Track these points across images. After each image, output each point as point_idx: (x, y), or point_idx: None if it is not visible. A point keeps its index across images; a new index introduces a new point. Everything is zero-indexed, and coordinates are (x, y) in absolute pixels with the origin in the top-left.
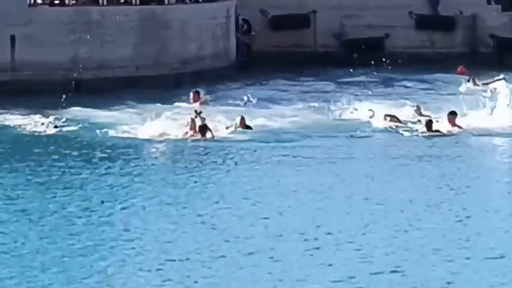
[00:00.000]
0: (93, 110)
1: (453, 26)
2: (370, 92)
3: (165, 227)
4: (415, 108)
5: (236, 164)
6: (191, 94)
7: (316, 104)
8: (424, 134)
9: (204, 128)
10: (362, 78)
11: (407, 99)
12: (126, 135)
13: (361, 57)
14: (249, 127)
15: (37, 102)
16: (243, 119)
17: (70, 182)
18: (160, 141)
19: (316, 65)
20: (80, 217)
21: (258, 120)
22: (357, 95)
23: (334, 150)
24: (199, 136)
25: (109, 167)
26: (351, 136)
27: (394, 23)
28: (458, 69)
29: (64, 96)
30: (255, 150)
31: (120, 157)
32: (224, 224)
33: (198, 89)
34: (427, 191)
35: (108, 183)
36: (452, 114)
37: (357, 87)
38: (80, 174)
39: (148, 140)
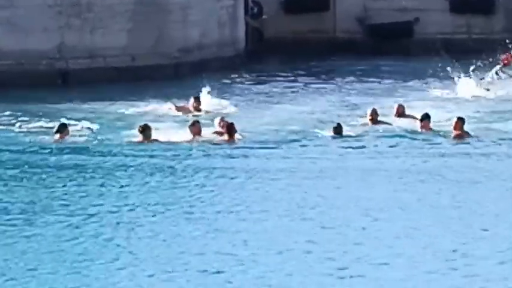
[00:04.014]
0: (82, 104)
1: (493, 9)
2: (394, 88)
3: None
4: None
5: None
6: (191, 100)
7: (327, 104)
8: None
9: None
10: (386, 70)
11: (436, 96)
12: (124, 139)
13: (387, 45)
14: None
15: (17, 97)
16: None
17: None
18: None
19: (335, 53)
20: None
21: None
22: (378, 92)
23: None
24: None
25: (106, 176)
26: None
27: (425, 6)
28: (503, 57)
29: (49, 89)
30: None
31: (118, 163)
32: None
33: (198, 96)
34: None
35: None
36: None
37: (380, 82)
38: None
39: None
